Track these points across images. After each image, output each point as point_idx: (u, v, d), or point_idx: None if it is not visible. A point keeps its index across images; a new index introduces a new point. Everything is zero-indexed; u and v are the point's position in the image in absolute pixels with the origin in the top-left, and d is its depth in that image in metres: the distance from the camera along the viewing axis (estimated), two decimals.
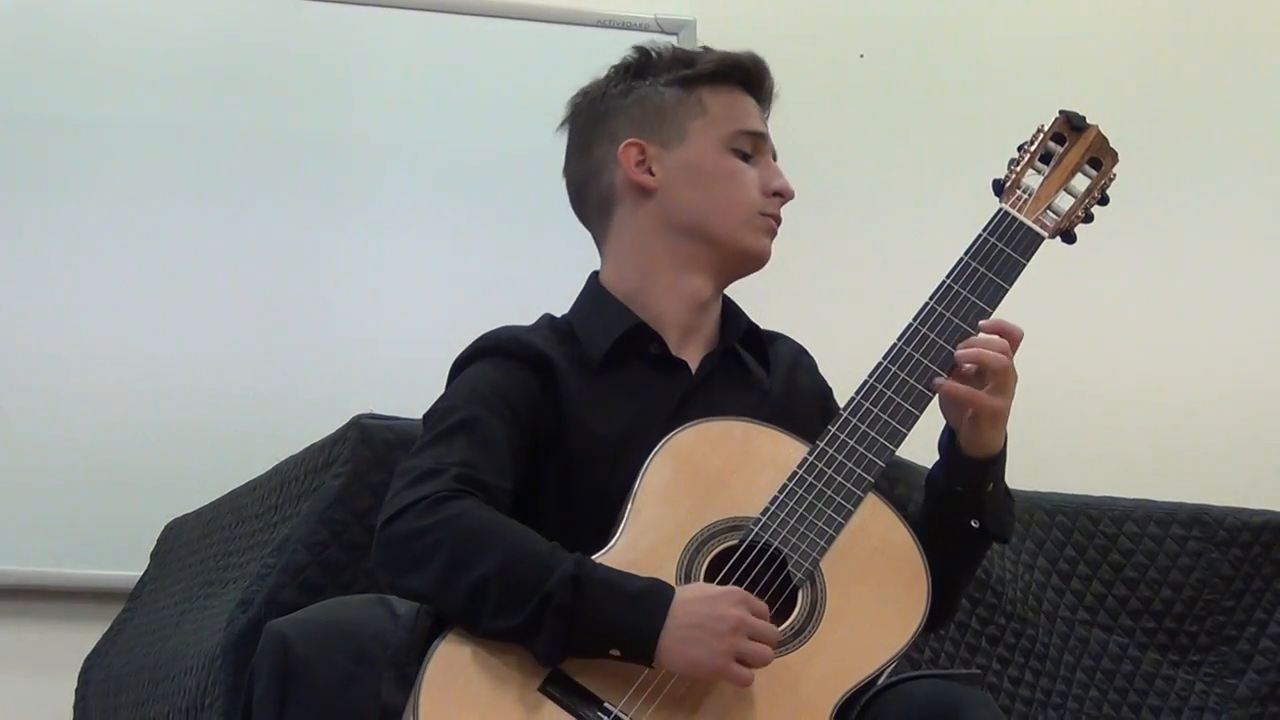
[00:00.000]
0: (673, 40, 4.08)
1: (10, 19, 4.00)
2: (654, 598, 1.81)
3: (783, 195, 2.13)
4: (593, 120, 2.17)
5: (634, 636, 1.81)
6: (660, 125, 2.11)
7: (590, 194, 2.17)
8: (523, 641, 1.82)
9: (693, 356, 2.11)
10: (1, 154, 3.96)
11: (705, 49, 2.20)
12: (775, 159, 2.16)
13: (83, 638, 3.47)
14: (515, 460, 1.99)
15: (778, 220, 2.13)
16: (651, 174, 2.11)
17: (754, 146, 2.13)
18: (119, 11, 4.04)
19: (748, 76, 2.15)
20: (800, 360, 2.20)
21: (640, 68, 2.16)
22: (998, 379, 1.97)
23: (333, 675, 2.05)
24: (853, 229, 4.28)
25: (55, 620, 3.84)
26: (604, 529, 1.94)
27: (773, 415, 2.06)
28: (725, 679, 1.81)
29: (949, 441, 2.03)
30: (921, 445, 2.11)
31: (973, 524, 2.02)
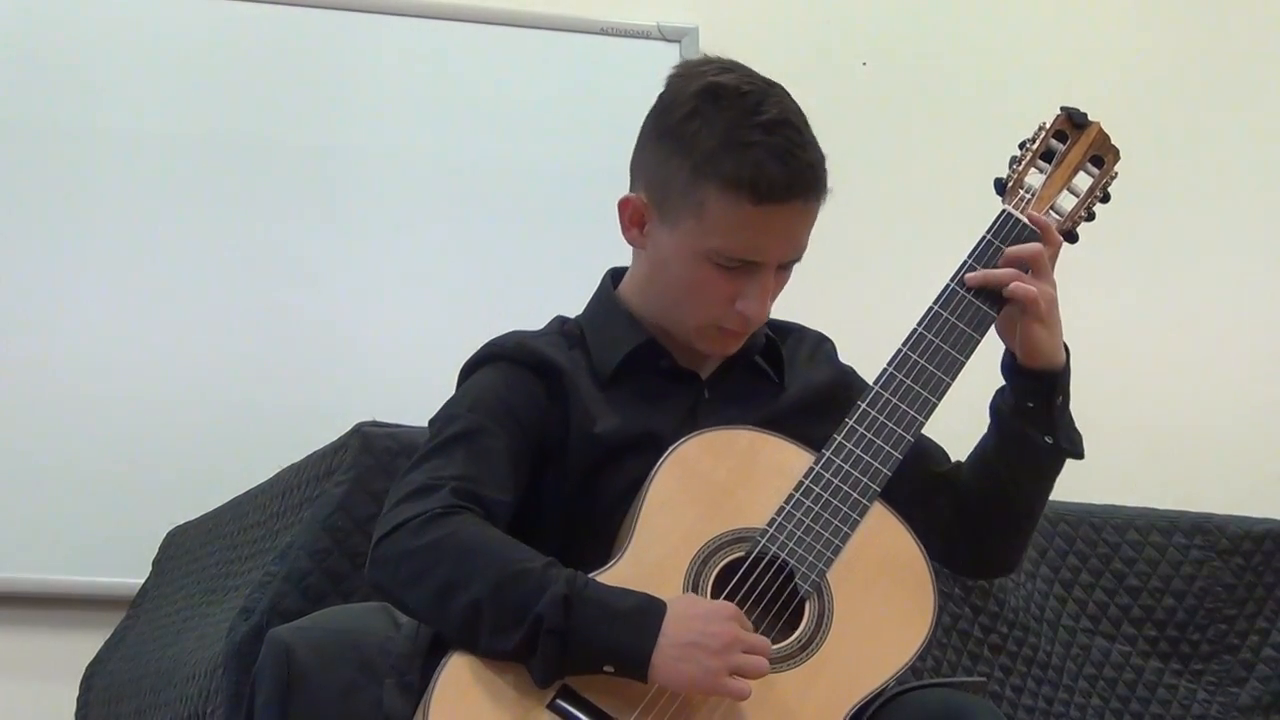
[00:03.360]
0: (676, 47, 4.09)
1: (9, 25, 4.00)
2: (646, 616, 1.80)
3: (749, 321, 2.01)
4: (644, 132, 2.06)
5: (627, 656, 1.80)
6: (664, 199, 2.00)
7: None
8: (520, 662, 1.81)
9: (705, 366, 2.09)
10: (6, 161, 3.97)
11: (769, 128, 1.96)
12: (789, 262, 2.02)
13: (85, 645, 3.47)
14: (516, 471, 1.97)
15: (742, 333, 2.04)
16: (646, 234, 2.04)
17: (743, 263, 1.98)
18: (119, 19, 4.04)
19: (760, 196, 1.95)
20: (819, 350, 2.17)
21: (690, 114, 1.98)
22: (1034, 267, 1.99)
23: (335, 683, 2.05)
24: (856, 237, 4.27)
25: (57, 627, 3.84)
26: (609, 538, 1.94)
27: (788, 417, 2.05)
28: (721, 694, 1.81)
29: (1012, 364, 2.02)
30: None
31: (1046, 440, 2.01)
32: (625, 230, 2.06)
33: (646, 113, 2.06)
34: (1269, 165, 4.61)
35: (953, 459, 2.15)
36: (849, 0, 4.48)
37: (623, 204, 2.05)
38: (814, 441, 1.98)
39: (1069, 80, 4.38)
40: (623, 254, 2.14)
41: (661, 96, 2.04)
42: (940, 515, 2.01)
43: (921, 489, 2.02)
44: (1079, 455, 2.06)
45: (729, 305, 1.99)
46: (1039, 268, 2.00)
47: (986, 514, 2.07)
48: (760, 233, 1.96)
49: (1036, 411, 2.01)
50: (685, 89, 2.00)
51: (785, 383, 2.11)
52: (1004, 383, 2.05)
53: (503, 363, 2.04)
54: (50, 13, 4.02)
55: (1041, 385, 2.01)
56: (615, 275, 2.15)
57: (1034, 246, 2.00)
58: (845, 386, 2.14)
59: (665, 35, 4.12)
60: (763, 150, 1.94)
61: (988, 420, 2.07)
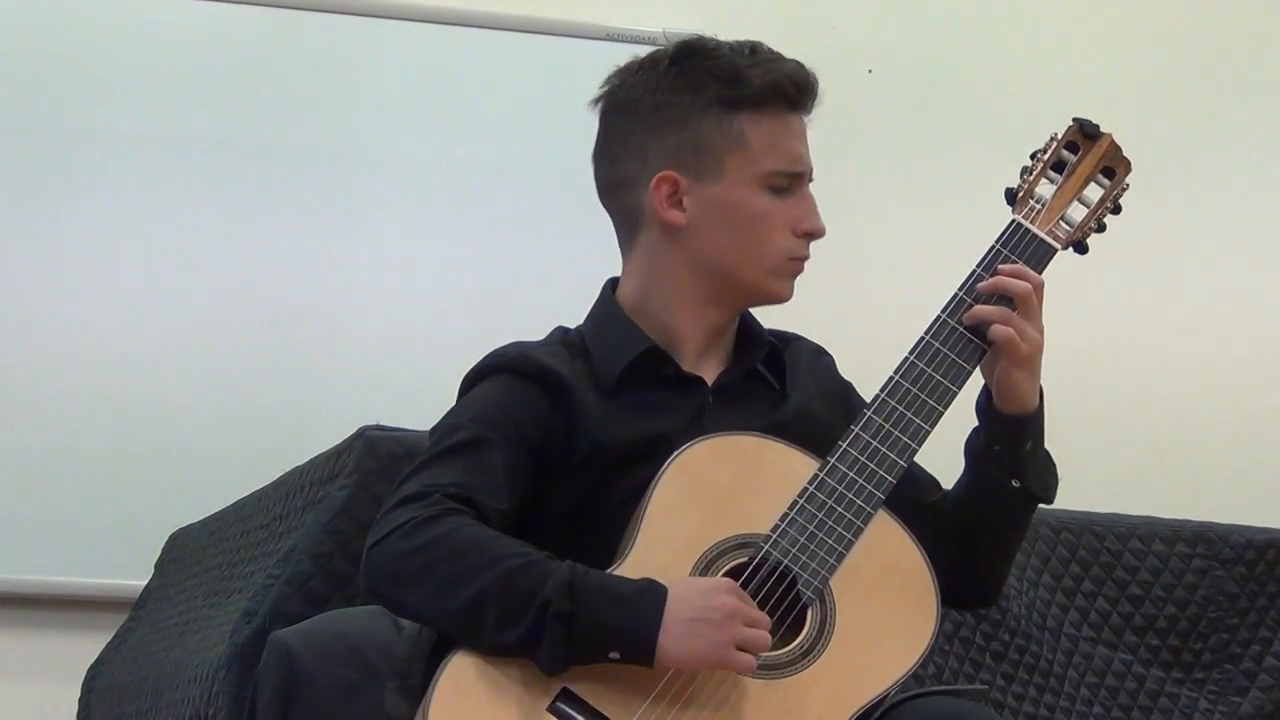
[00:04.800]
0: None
1: (20, 28, 4.01)
2: (649, 597, 1.81)
3: (813, 236, 2.07)
4: (625, 128, 2.09)
5: (633, 636, 1.80)
6: (697, 157, 2.04)
7: (618, 202, 2.11)
8: (526, 653, 1.81)
9: (709, 372, 2.09)
10: (11, 162, 3.98)
11: (752, 51, 2.08)
12: (813, 178, 2.10)
13: (86, 646, 3.47)
14: (515, 483, 1.97)
15: (806, 261, 2.09)
16: (682, 207, 2.05)
17: (790, 181, 2.06)
18: (128, 22, 4.05)
19: (791, 103, 2.07)
20: (818, 362, 2.18)
21: (679, 76, 2.07)
22: (1022, 307, 1.98)
23: (336, 686, 2.06)
24: (862, 243, 4.28)
25: (59, 629, 3.84)
26: (612, 544, 1.93)
27: (791, 424, 2.05)
28: (727, 668, 1.81)
29: (986, 403, 2.03)
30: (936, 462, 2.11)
31: (1013, 484, 2.02)
32: (665, 213, 2.05)
33: (606, 123, 2.11)
34: (1275, 172, 4.61)
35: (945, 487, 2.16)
36: (855, 7, 4.48)
37: (658, 184, 2.04)
38: (815, 451, 1.98)
39: (1076, 88, 4.38)
40: None
41: (621, 94, 2.09)
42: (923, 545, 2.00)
43: (907, 516, 2.00)
44: (1048, 500, 2.07)
45: (791, 232, 2.05)
46: (1027, 308, 1.98)
47: (959, 549, 2.05)
48: (797, 139, 2.07)
49: (1003, 455, 2.01)
50: (652, 72, 2.08)
51: (787, 390, 2.11)
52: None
53: (505, 374, 2.04)
54: (54, 14, 4.03)
55: (1010, 429, 2.01)
56: (614, 284, 2.15)
57: (1022, 286, 1.98)
58: (845, 399, 2.15)
59: (671, 42, 4.12)
60: (768, 66, 2.06)
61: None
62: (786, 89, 2.06)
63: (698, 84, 2.05)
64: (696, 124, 2.04)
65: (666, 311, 2.08)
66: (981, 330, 1.98)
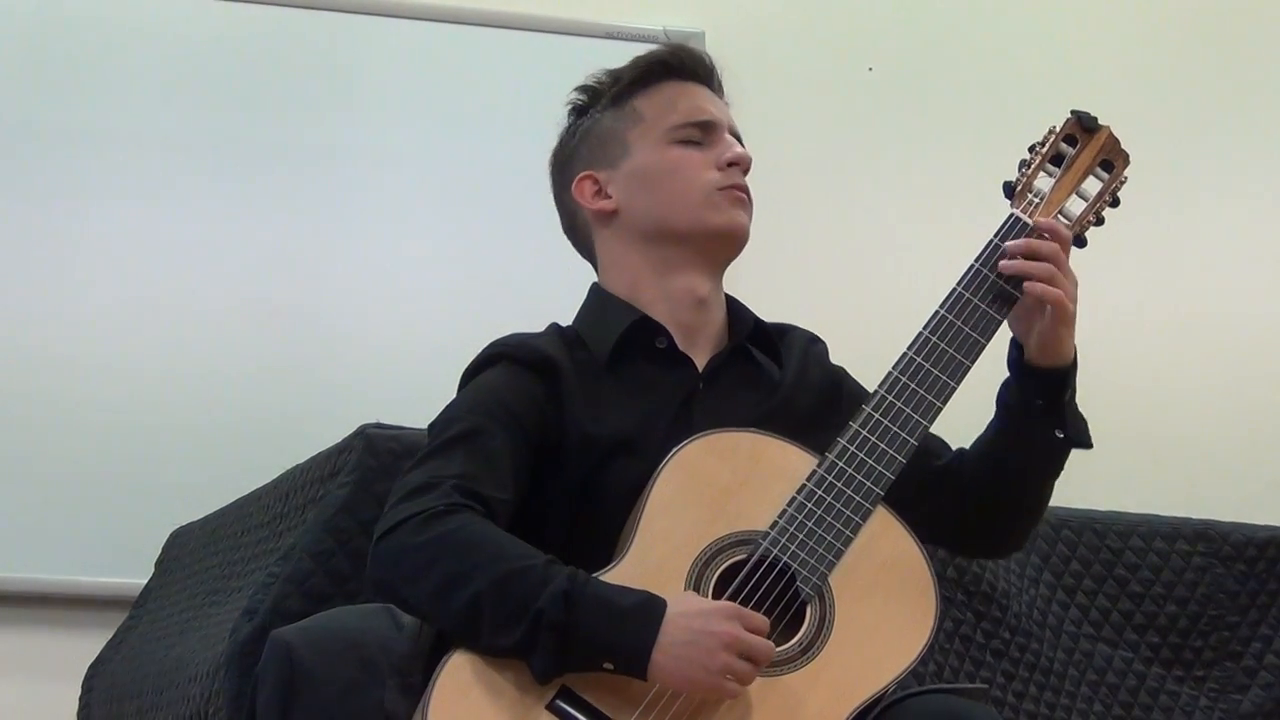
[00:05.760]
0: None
1: (16, 27, 4.01)
2: (646, 614, 1.81)
3: (739, 164, 2.13)
4: (557, 176, 2.22)
5: (626, 653, 1.81)
6: (605, 149, 2.15)
7: (576, 236, 2.22)
8: (520, 658, 1.82)
9: (700, 355, 2.11)
10: (8, 162, 3.98)
11: (635, 59, 2.21)
12: (737, 135, 2.16)
13: (87, 645, 3.47)
14: (517, 471, 1.99)
15: (743, 190, 2.13)
16: (609, 196, 2.14)
17: (701, 131, 2.14)
18: (123, 20, 4.05)
19: (673, 69, 2.16)
20: (811, 350, 2.19)
21: (583, 106, 2.20)
22: (1061, 265, 1.99)
23: (337, 684, 2.06)
24: (862, 239, 4.27)
25: (59, 627, 3.84)
26: (612, 539, 1.94)
27: (783, 410, 2.07)
28: (717, 695, 1.81)
29: (1019, 358, 2.03)
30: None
31: (1058, 434, 2.03)
32: (592, 204, 2.15)
33: (551, 183, 2.25)
34: (1277, 167, 4.61)
35: (953, 446, 2.16)
36: (855, 5, 4.48)
37: (578, 185, 2.16)
38: (807, 440, 1.99)
39: (1076, 85, 4.38)
40: None
41: (554, 154, 2.24)
42: (946, 508, 2.03)
43: (924, 485, 2.03)
44: (1088, 445, 2.07)
45: (715, 167, 2.11)
46: (1060, 267, 2.00)
47: (996, 503, 2.09)
48: (695, 98, 2.15)
49: (1045, 408, 2.02)
50: (563, 126, 2.22)
51: (784, 371, 2.13)
52: (1008, 375, 2.07)
53: (504, 362, 2.07)
54: (52, 13, 4.03)
55: (1051, 383, 2.02)
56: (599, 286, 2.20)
57: (1052, 246, 2.00)
58: (837, 386, 2.16)
59: (672, 40, 4.12)
60: (642, 55, 2.19)
61: (989, 410, 2.08)
62: (666, 59, 2.17)
63: (597, 99, 2.18)
64: (599, 127, 2.15)
65: (637, 294, 2.12)
66: (1007, 293, 1.99)
